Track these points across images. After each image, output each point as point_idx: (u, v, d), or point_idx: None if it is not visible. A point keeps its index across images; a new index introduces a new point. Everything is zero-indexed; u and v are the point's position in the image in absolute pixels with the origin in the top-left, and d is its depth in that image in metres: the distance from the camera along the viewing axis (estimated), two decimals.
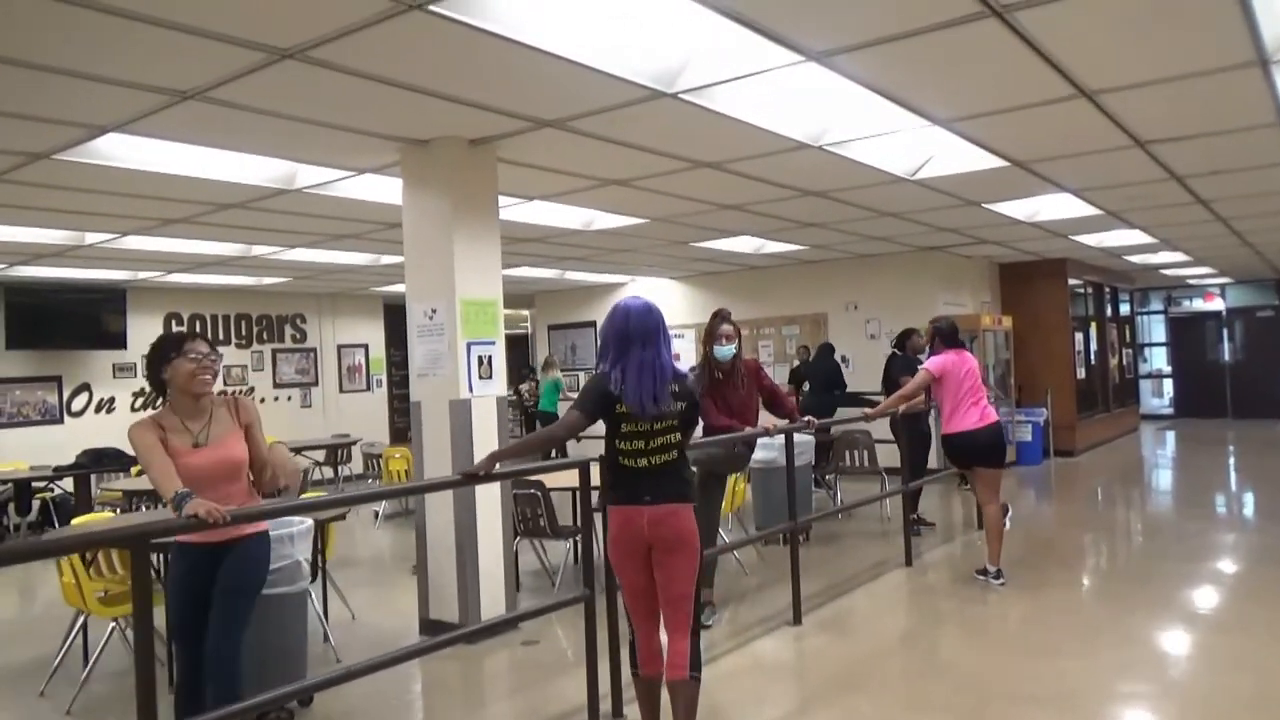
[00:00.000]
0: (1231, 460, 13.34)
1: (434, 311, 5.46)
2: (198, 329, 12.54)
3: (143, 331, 11.87)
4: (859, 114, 5.49)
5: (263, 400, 13.19)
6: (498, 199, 5.70)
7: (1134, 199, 8.34)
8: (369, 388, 14.66)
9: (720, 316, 5.65)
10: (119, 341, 11.44)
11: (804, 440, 7.76)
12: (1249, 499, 10.02)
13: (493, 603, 5.44)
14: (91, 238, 8.22)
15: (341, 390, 14.27)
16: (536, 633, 5.51)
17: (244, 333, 13.09)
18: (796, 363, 12.00)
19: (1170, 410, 19.29)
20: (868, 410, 6.70)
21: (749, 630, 5.42)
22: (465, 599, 5.37)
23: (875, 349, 12.14)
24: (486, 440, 5.45)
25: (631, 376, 3.45)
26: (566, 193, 7.12)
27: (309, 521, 4.41)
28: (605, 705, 4.05)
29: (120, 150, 5.33)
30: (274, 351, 13.42)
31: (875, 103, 5.05)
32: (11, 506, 9.81)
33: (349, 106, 4.75)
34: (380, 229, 8.25)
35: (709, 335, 5.65)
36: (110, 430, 11.41)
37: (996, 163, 6.65)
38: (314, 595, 5.22)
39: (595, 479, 4.06)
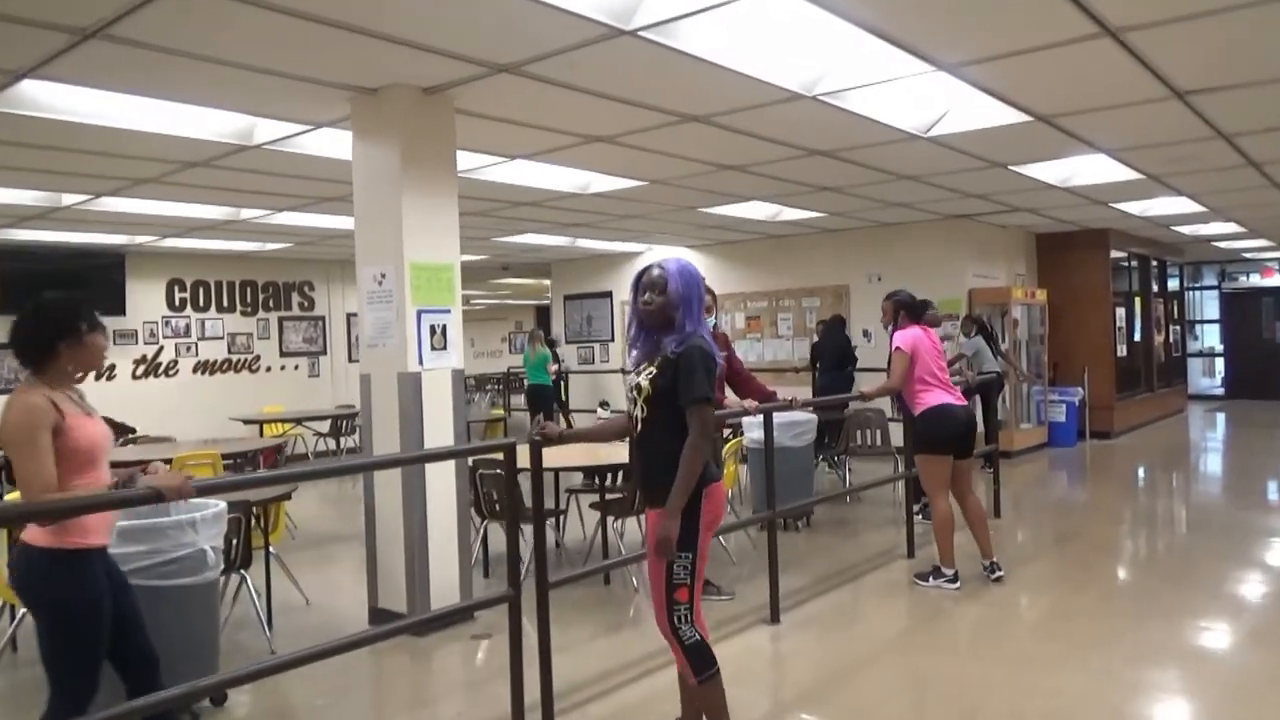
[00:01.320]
0: None
1: (383, 276, 5.02)
2: (201, 296, 12.31)
3: (144, 298, 11.69)
4: (854, 58, 4.92)
5: (269, 369, 12.96)
6: (455, 154, 5.23)
7: (1177, 161, 7.61)
8: None
9: (706, 288, 5.16)
10: (117, 308, 11.21)
11: (804, 419, 7.24)
12: None
13: (445, 591, 5.03)
14: (68, 199, 7.92)
15: (351, 359, 13.96)
16: (493, 624, 5.10)
17: (249, 300, 12.82)
18: (815, 339, 11.43)
19: (1221, 391, 18.33)
20: (864, 390, 6.14)
21: (720, 629, 4.94)
22: (413, 587, 4.97)
23: None
24: (439, 417, 5.03)
25: (711, 345, 3.18)
26: (549, 151, 6.62)
27: (220, 505, 4.01)
28: (534, 718, 3.63)
29: (46, 98, 4.94)
30: (280, 319, 13.15)
31: (872, 45, 4.48)
32: None
33: (289, 50, 4.32)
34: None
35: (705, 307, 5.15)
36: (110, 399, 11.22)
37: (1018, 117, 6.01)
38: (249, 582, 4.86)
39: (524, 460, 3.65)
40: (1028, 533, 7.26)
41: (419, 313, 4.97)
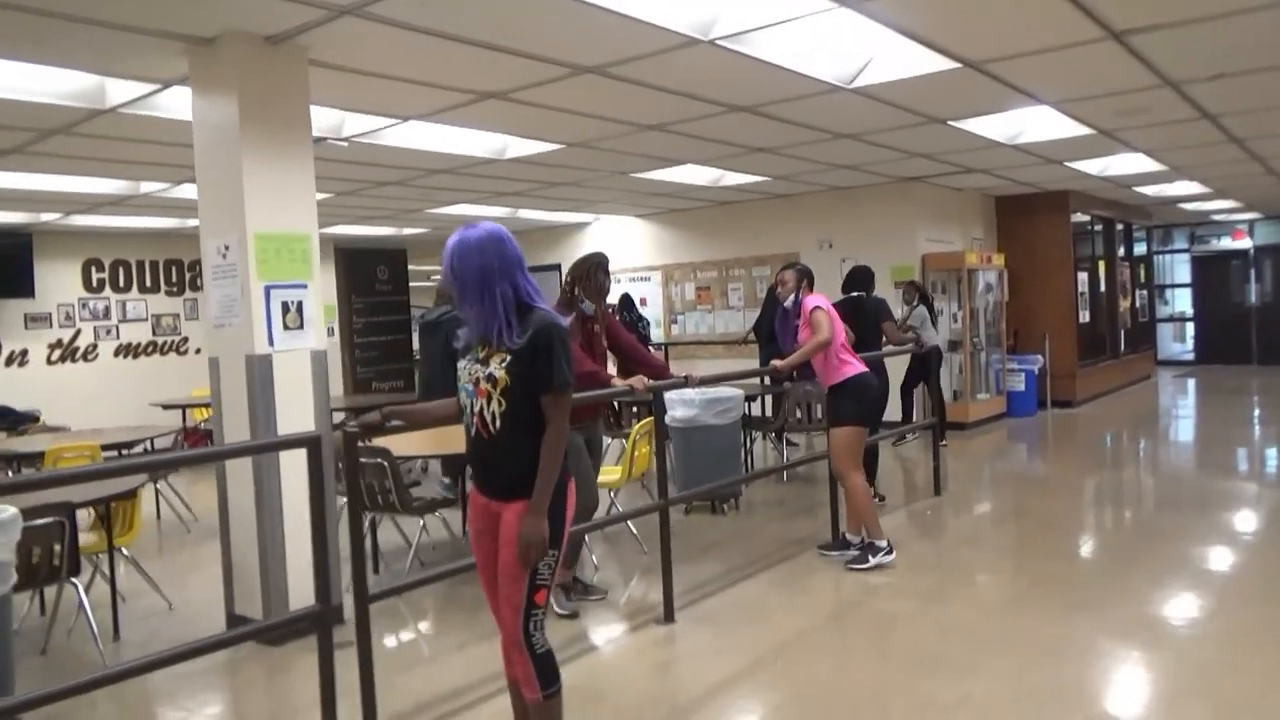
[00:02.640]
0: (1255, 411, 12.13)
1: (226, 249, 4.49)
2: (121, 276, 11.71)
3: (57, 279, 11.08)
4: None
5: (198, 351, 12.38)
6: (309, 110, 4.68)
7: (1126, 114, 7.13)
8: None
9: (605, 270, 4.74)
10: (26, 289, 10.61)
11: (728, 396, 6.77)
12: (1271, 456, 8.91)
13: (306, 594, 4.53)
14: None
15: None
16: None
17: (174, 279, 12.22)
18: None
19: (1191, 356, 18.00)
20: (776, 362, 5.66)
21: (609, 627, 4.50)
22: (267, 591, 4.49)
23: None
24: (295, 403, 4.53)
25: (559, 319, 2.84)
26: (443, 110, 6.07)
27: (10, 511, 3.50)
28: None
29: None
30: None
31: None
32: None
33: None
34: None
35: (598, 288, 4.71)
36: (23, 385, 10.69)
37: (946, 64, 5.51)
38: (80, 591, 4.36)
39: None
40: (968, 511, 6.85)
41: (267, 288, 4.46)
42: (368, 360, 15.68)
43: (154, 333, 11.99)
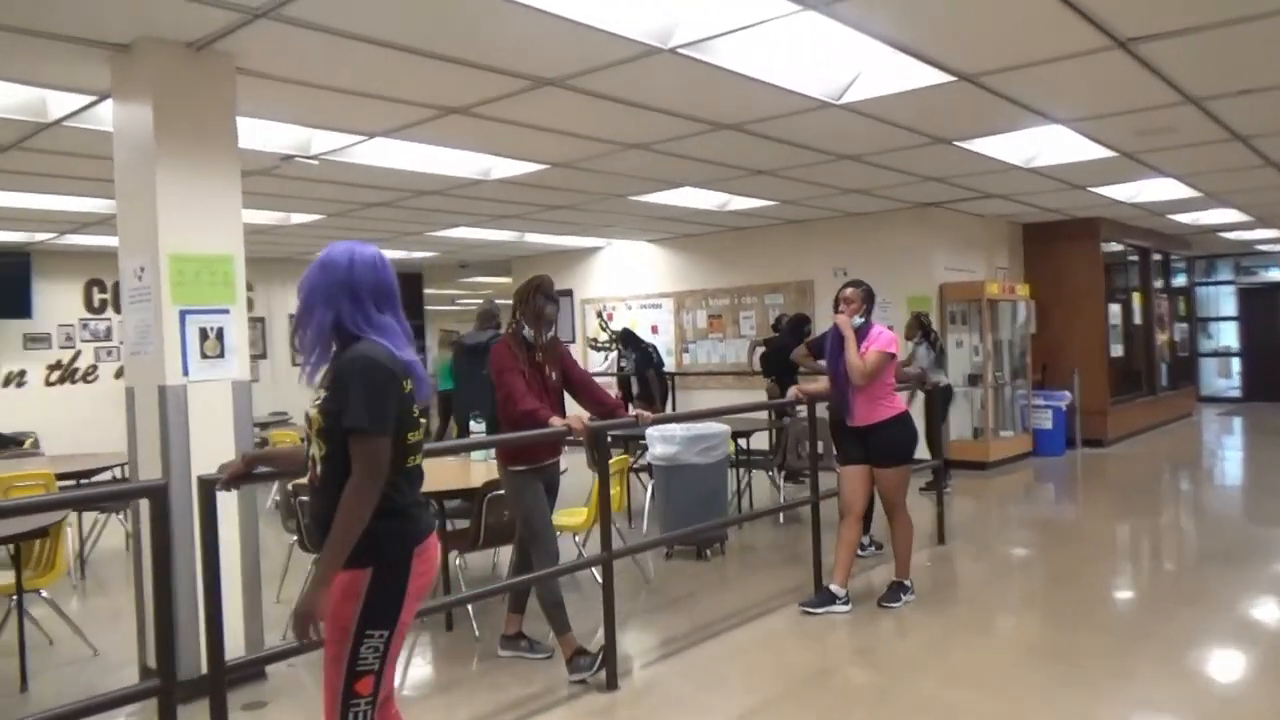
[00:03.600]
0: None
1: (142, 270, 4.18)
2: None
3: (56, 299, 10.98)
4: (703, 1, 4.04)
5: None
6: (234, 123, 4.36)
7: (1148, 133, 6.61)
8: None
9: (546, 295, 4.35)
10: (23, 310, 10.51)
11: (712, 433, 6.32)
12: None
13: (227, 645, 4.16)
14: None
15: (294, 363, 13.21)
16: (288, 683, 4.25)
17: None
18: (759, 341, 10.51)
19: (1238, 393, 17.10)
20: (797, 389, 5.41)
21: (543, 694, 4.05)
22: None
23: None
24: (214, 438, 4.18)
25: (408, 351, 2.40)
26: (407, 126, 5.75)
27: None
28: None
29: None
30: None
31: None
32: None
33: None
34: None
35: (536, 313, 4.31)
36: (22, 405, 10.58)
37: (939, 77, 5.08)
38: None
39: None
40: (973, 563, 6.30)
41: (182, 314, 4.13)
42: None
43: None
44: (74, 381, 11.15)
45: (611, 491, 5.37)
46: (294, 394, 12.85)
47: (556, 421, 4.13)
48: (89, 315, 11.30)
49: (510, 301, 4.54)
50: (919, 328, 8.87)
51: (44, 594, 4.74)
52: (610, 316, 12.99)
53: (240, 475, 2.77)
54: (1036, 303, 11.39)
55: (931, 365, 8.56)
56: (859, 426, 5.04)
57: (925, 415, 8.66)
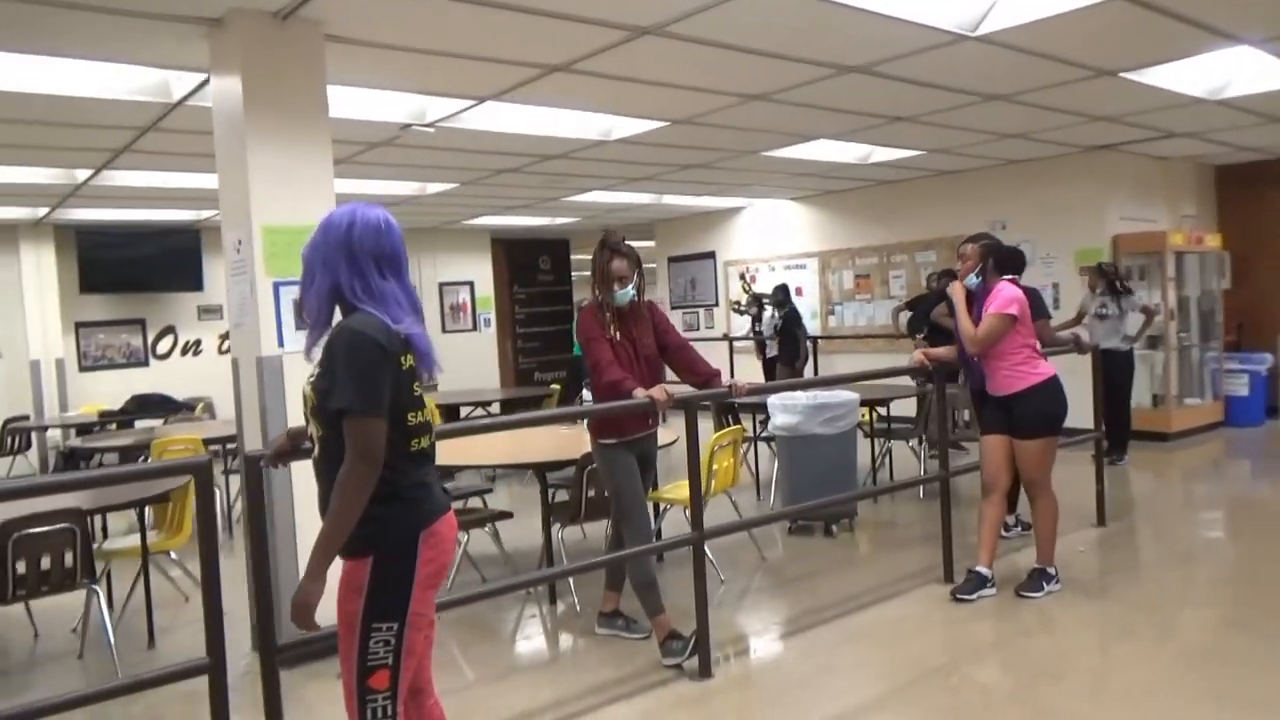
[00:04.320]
0: None
1: (240, 243, 4.22)
2: None
3: (222, 271, 11.64)
4: None
5: None
6: (324, 91, 4.31)
7: None
8: (476, 328, 13.88)
9: (610, 248, 4.06)
10: (195, 283, 11.24)
11: (839, 401, 5.91)
12: None
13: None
14: (80, 174, 7.71)
15: (444, 330, 13.59)
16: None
17: None
18: (902, 304, 9.87)
19: None
20: (923, 353, 4.92)
21: (630, 679, 3.85)
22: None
23: (1026, 278, 9.58)
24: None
25: (411, 322, 2.20)
26: (514, 88, 5.59)
27: None
28: None
29: None
30: None
31: None
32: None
33: None
34: (359, 149, 7.14)
35: (602, 275, 4.06)
36: (198, 373, 11.35)
37: None
38: (100, 597, 4.22)
39: None
40: (1135, 549, 5.62)
41: (276, 285, 4.14)
42: (530, 351, 15.72)
43: None
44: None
45: (722, 465, 5.12)
46: (448, 362, 13.19)
47: (640, 393, 3.87)
48: None
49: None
50: (1102, 278, 8.00)
51: (173, 555, 4.96)
52: (754, 278, 12.58)
53: (285, 451, 2.68)
54: (1232, 255, 10.12)
55: (1115, 321, 7.76)
56: (1000, 395, 4.54)
57: (1101, 380, 7.91)
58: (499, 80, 5.42)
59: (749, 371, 11.96)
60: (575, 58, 5.03)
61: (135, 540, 4.69)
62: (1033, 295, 6.00)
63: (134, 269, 10.72)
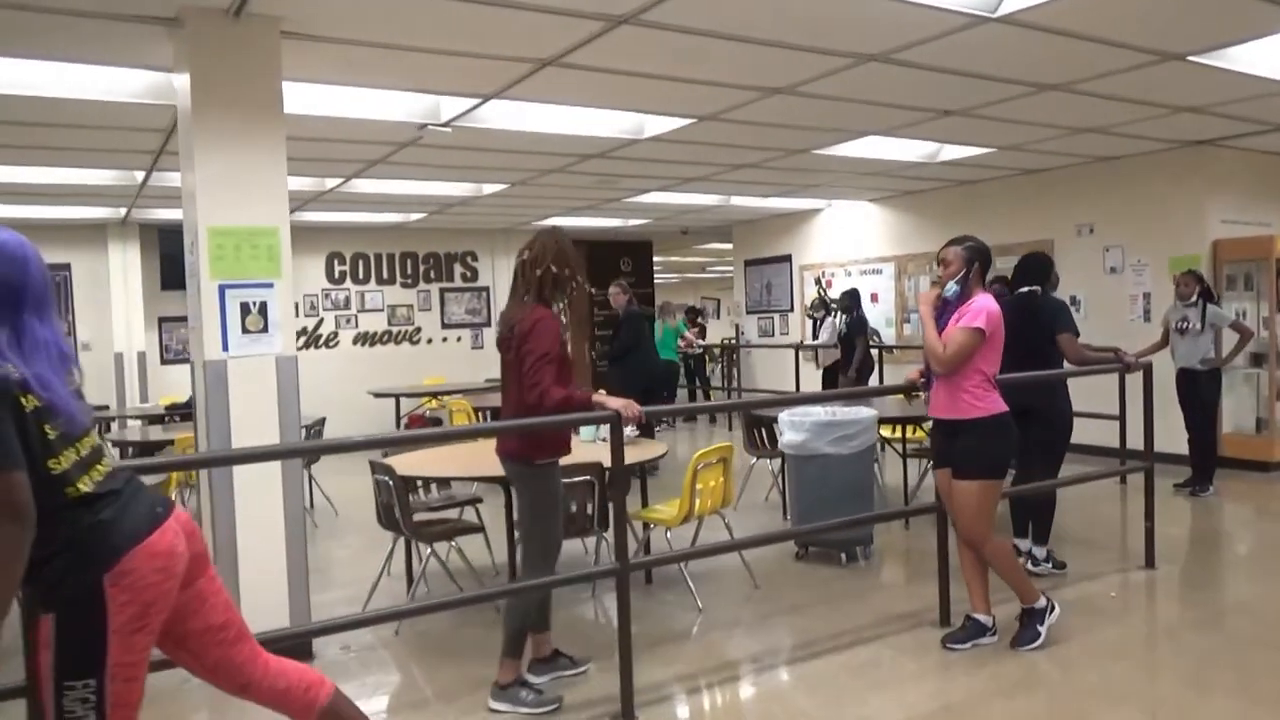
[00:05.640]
0: None
1: (193, 244, 4.17)
2: (361, 268, 12.43)
3: (302, 270, 11.97)
4: None
5: (430, 341, 12.88)
6: (277, 89, 4.21)
7: None
8: None
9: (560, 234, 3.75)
10: None
11: (850, 419, 5.46)
12: None
13: (266, 616, 4.10)
14: (138, 175, 7.99)
15: None
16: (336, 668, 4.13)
17: (409, 271, 12.78)
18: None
19: None
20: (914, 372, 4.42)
21: None
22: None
23: (1114, 287, 8.89)
24: (257, 414, 4.11)
25: (46, 369, 1.97)
26: (514, 83, 5.39)
27: None
28: None
29: None
30: (442, 291, 13.00)
31: None
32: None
33: None
34: (390, 149, 7.13)
35: (575, 263, 3.72)
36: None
37: None
38: None
39: None
40: (1181, 596, 4.95)
41: (221, 288, 4.07)
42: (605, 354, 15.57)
43: (389, 322, 12.62)
44: (317, 347, 12.14)
45: (708, 484, 4.79)
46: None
47: (608, 401, 3.56)
48: (330, 285, 12.24)
49: None
50: (1196, 283, 7.21)
51: None
52: (829, 283, 12.04)
53: None
54: None
55: (1195, 337, 7.01)
56: (943, 420, 4.04)
57: (1184, 402, 7.19)
58: (491, 77, 5.24)
59: (811, 380, 11.50)
60: (560, 51, 4.79)
61: None
62: (1059, 306, 5.42)
63: None
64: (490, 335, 13.38)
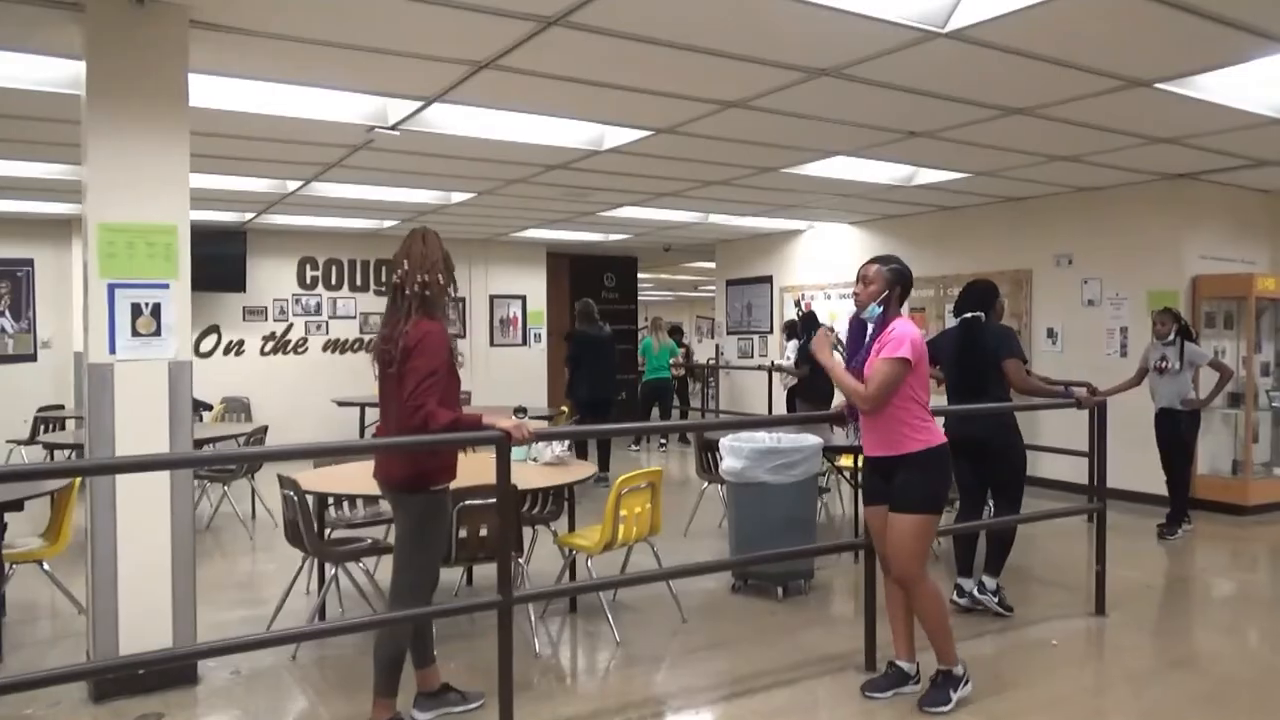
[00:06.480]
0: None
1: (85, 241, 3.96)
2: (334, 274, 12.24)
3: (271, 275, 11.78)
4: None
5: None
6: (181, 80, 3.99)
7: None
8: (525, 343, 13.62)
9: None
10: (238, 284, 11.36)
11: (789, 447, 5.23)
12: None
13: (147, 636, 3.86)
14: None
15: (493, 344, 13.38)
16: (220, 693, 3.89)
17: (384, 279, 12.57)
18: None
19: None
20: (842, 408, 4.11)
21: None
22: (93, 629, 3.89)
23: (1092, 320, 8.66)
24: (145, 421, 3.88)
25: None
26: (452, 87, 5.20)
27: None
28: None
29: None
30: None
31: None
32: None
33: None
34: (344, 151, 6.93)
35: (440, 277, 3.51)
36: (240, 372, 11.48)
37: None
38: None
39: None
40: (1131, 646, 4.68)
41: (110, 287, 3.85)
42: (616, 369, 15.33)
43: (361, 330, 12.40)
44: (285, 352, 11.92)
45: (633, 510, 4.56)
46: (495, 375, 13.00)
47: (499, 421, 3.35)
48: (301, 291, 12.03)
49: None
50: (1174, 320, 7.00)
51: (45, 566, 4.75)
52: (809, 305, 11.82)
53: None
54: None
55: (1174, 377, 6.81)
56: (877, 458, 3.79)
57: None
58: (428, 78, 5.04)
59: (780, 404, 11.27)
60: (494, 53, 4.59)
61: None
62: (1006, 333, 5.21)
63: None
64: (464, 347, 13.14)
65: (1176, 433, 6.93)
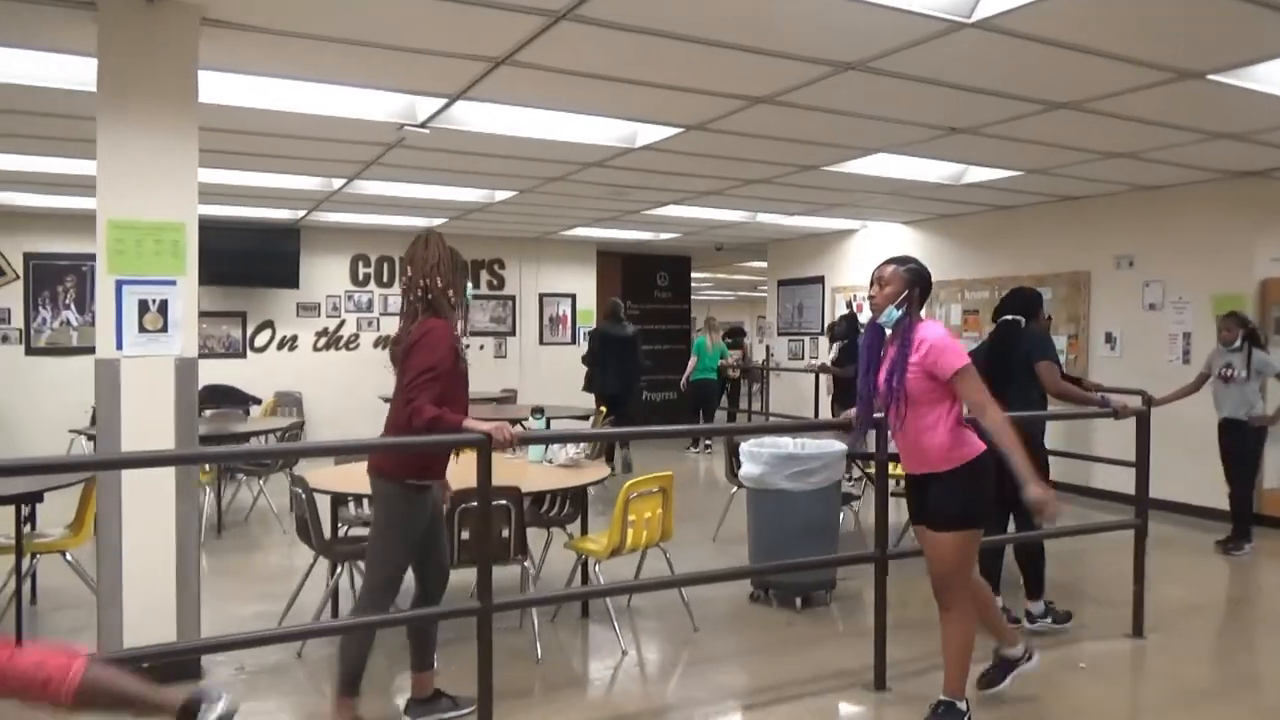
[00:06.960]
0: None
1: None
2: (386, 271, 12.38)
3: (324, 272, 11.97)
4: None
5: None
6: (191, 77, 4.03)
7: None
8: (574, 341, 13.59)
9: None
10: (292, 280, 11.56)
11: (809, 453, 5.06)
12: None
13: (151, 632, 3.90)
14: None
15: (541, 342, 13.39)
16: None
17: None
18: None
19: None
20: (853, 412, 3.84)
21: None
22: (101, 625, 3.94)
23: (1153, 324, 8.26)
24: (151, 417, 3.92)
25: None
26: (474, 83, 5.15)
27: None
28: None
29: None
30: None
31: None
32: None
33: None
34: (379, 149, 6.98)
35: (440, 280, 3.52)
36: (290, 367, 11.71)
37: None
38: None
39: None
40: (1150, 672, 4.40)
41: (118, 283, 3.91)
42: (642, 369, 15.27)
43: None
44: (338, 348, 12.11)
45: (643, 515, 4.46)
46: (543, 373, 13.02)
47: (477, 425, 3.30)
48: (353, 288, 12.20)
49: None
50: (1240, 328, 6.65)
51: (69, 556, 4.84)
52: (860, 307, 11.54)
53: None
54: None
55: (1241, 386, 6.47)
56: (919, 475, 3.56)
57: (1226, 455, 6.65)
58: (448, 75, 5.01)
59: (826, 408, 11.05)
60: (508, 49, 4.53)
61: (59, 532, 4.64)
62: (1040, 338, 4.99)
63: (239, 263, 11.06)
64: (513, 345, 13.23)
65: (1241, 444, 6.58)
